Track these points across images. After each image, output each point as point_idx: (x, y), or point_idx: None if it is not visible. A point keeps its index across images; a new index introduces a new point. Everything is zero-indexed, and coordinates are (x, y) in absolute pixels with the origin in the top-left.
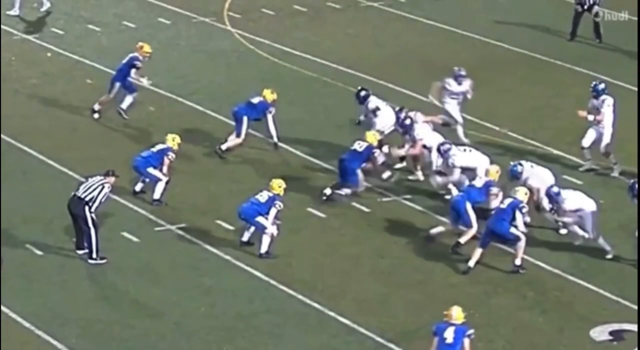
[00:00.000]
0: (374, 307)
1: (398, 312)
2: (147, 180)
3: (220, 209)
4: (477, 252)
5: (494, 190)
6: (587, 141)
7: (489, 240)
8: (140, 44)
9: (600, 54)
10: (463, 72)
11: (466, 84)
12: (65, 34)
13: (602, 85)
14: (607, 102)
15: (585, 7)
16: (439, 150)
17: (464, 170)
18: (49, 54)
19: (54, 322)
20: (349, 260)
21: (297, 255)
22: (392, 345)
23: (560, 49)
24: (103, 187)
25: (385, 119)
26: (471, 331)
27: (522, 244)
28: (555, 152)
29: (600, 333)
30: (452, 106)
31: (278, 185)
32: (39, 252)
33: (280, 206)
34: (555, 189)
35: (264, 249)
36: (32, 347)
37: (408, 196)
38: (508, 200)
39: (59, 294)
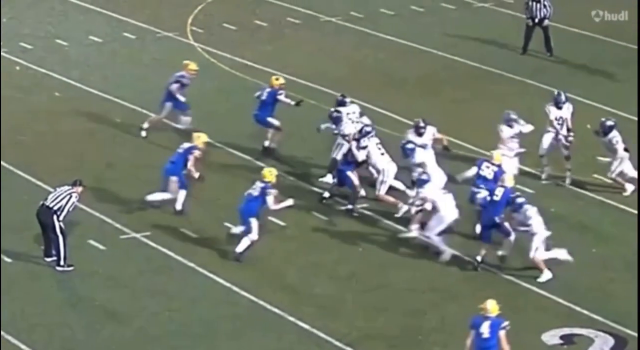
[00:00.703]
0: (333, 312)
1: (356, 317)
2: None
3: (183, 216)
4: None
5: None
6: (543, 149)
7: (490, 233)
8: (186, 62)
9: (550, 67)
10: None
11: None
12: (33, 48)
13: (563, 95)
14: (570, 110)
15: (536, 20)
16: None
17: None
18: (17, 68)
19: (22, 327)
20: (309, 266)
21: (259, 262)
22: (349, 349)
23: (511, 62)
24: (71, 197)
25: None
26: (506, 323)
27: (512, 237)
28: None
29: (551, 337)
30: None
31: (269, 172)
32: (8, 260)
33: (274, 193)
34: (520, 199)
35: (240, 249)
36: None
37: (365, 204)
38: (500, 191)
39: (28, 300)
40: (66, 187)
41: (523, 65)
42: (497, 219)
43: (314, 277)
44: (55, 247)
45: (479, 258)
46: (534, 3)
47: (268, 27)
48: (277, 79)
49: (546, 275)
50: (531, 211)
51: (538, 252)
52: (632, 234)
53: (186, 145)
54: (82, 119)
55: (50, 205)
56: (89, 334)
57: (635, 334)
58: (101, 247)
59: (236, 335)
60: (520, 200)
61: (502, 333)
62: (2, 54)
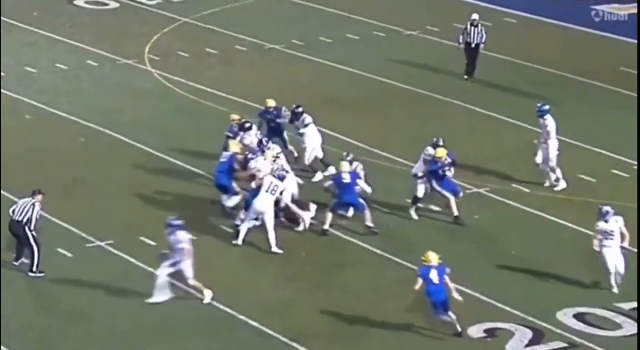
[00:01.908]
0: (278, 310)
1: (300, 315)
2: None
3: (144, 226)
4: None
5: None
6: (539, 158)
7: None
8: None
9: (472, 88)
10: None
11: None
12: (6, 75)
13: (546, 107)
14: (550, 122)
15: (473, 45)
16: None
17: None
18: None
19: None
20: (256, 269)
21: (210, 266)
22: (295, 345)
23: (436, 84)
24: (34, 206)
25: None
26: (448, 270)
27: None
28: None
29: (476, 331)
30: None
31: (235, 145)
32: None
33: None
34: None
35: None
36: None
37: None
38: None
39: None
40: (27, 199)
41: (447, 87)
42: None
43: (261, 278)
44: (30, 255)
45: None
46: (473, 28)
47: (218, 55)
48: (270, 100)
49: None
50: None
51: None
52: (550, 237)
53: (226, 154)
54: (50, 138)
55: (20, 219)
56: (58, 334)
57: (552, 327)
58: (69, 255)
59: (191, 333)
60: None
61: (446, 277)
62: None
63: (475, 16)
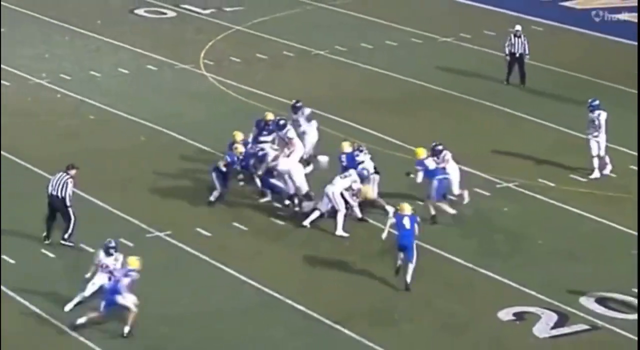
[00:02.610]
0: (323, 294)
1: (343, 299)
2: None
3: (199, 218)
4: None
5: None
6: (594, 150)
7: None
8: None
9: (503, 90)
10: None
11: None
12: (71, 78)
13: (597, 102)
14: (602, 116)
15: (517, 55)
16: None
17: None
18: (58, 95)
19: None
20: (301, 255)
21: (259, 254)
22: (338, 327)
23: (469, 86)
24: (67, 184)
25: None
26: (419, 219)
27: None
28: (466, 168)
29: (505, 314)
30: None
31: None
32: None
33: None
34: None
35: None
36: None
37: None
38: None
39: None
40: (61, 174)
41: (478, 90)
42: None
43: (306, 266)
44: (65, 225)
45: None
46: (516, 39)
47: (268, 60)
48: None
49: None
50: None
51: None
52: (573, 227)
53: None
54: (113, 137)
55: (58, 195)
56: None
57: (575, 311)
58: (130, 244)
59: (245, 317)
60: None
61: (416, 226)
62: (45, 84)
63: (518, 27)
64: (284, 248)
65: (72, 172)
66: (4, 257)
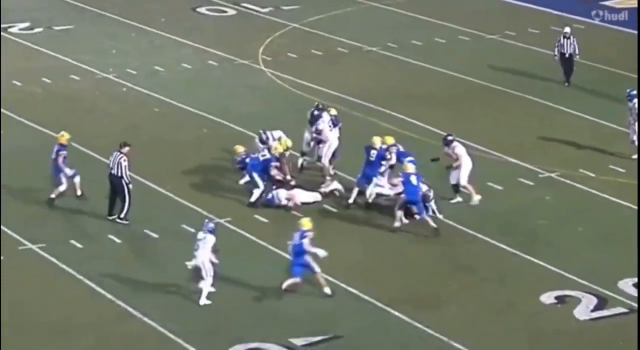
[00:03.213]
0: (373, 279)
1: (391, 283)
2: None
3: (257, 205)
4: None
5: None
6: (635, 136)
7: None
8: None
9: (545, 86)
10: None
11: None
12: (137, 73)
13: (634, 91)
14: (636, 104)
15: (567, 55)
16: None
17: None
18: (124, 89)
19: None
20: (354, 243)
21: (318, 242)
22: (388, 309)
23: (512, 81)
24: (121, 161)
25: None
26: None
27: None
28: (511, 159)
29: (547, 298)
30: None
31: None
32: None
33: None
34: None
35: (252, 199)
36: None
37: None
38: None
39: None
40: (116, 153)
41: (521, 84)
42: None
43: (359, 252)
44: (121, 204)
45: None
46: (565, 40)
47: (323, 56)
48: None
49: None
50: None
51: None
52: (612, 215)
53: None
54: (176, 129)
55: (116, 173)
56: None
57: (614, 294)
58: (191, 229)
59: (305, 297)
60: None
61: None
62: (111, 78)
63: (567, 29)
64: (337, 234)
65: (125, 149)
66: (72, 242)
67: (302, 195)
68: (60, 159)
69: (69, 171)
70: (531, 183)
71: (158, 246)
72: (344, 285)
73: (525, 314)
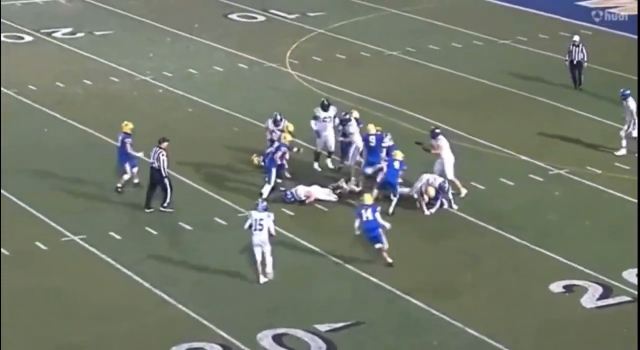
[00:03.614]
0: (393, 269)
1: (410, 273)
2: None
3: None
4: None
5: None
6: (623, 131)
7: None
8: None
9: (555, 89)
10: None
11: None
12: (172, 75)
13: (628, 91)
14: (630, 102)
15: (575, 62)
16: None
17: None
18: (160, 91)
19: None
20: None
21: (342, 232)
22: (407, 297)
23: (524, 84)
24: (160, 156)
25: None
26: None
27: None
28: (522, 157)
29: (556, 287)
30: None
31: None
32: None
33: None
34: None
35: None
36: None
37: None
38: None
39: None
40: (156, 148)
41: (533, 87)
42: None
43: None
44: (162, 194)
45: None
46: (574, 48)
47: (346, 59)
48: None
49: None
50: None
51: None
52: (616, 210)
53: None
54: (209, 128)
55: (156, 167)
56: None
57: (618, 284)
58: (224, 223)
59: (330, 283)
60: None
61: (377, 214)
62: (149, 80)
63: (576, 38)
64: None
65: (164, 144)
66: (111, 233)
67: (318, 192)
68: (128, 146)
69: (136, 154)
70: (541, 179)
71: (192, 238)
72: (365, 275)
73: (536, 302)
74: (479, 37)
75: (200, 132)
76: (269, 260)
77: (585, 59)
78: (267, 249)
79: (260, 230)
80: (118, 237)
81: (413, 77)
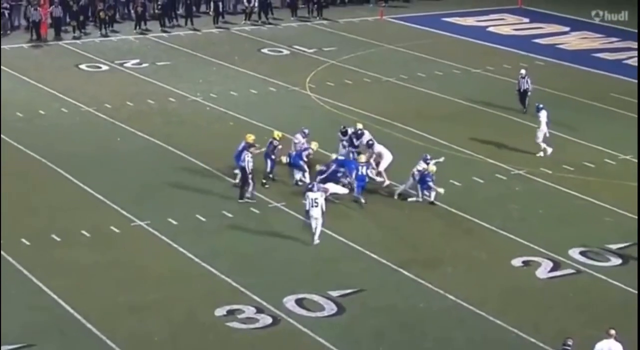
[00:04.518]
0: (385, 245)
1: (401, 248)
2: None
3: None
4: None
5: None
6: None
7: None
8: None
9: (518, 109)
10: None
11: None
12: (217, 97)
13: (540, 105)
14: (541, 114)
15: (522, 90)
16: None
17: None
18: (207, 108)
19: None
20: (366, 217)
21: (345, 217)
22: (401, 270)
23: (499, 105)
24: (247, 157)
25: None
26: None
27: None
28: (491, 160)
29: (517, 262)
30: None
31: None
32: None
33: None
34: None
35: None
36: None
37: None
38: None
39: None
40: (245, 152)
41: (501, 105)
42: None
43: (371, 224)
44: (244, 187)
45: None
46: (522, 79)
47: (352, 84)
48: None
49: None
50: None
51: None
52: (565, 202)
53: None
54: (244, 136)
55: (241, 165)
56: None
57: (565, 260)
58: (257, 211)
59: (327, 262)
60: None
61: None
62: (199, 100)
63: (522, 71)
64: (361, 214)
65: (251, 149)
66: (169, 219)
67: (333, 188)
68: (244, 152)
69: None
70: (505, 178)
71: (232, 223)
72: (367, 252)
73: (501, 273)
74: (457, 67)
75: (239, 140)
76: (319, 230)
77: (530, 88)
78: (319, 222)
79: (316, 206)
80: (175, 222)
81: (405, 98)
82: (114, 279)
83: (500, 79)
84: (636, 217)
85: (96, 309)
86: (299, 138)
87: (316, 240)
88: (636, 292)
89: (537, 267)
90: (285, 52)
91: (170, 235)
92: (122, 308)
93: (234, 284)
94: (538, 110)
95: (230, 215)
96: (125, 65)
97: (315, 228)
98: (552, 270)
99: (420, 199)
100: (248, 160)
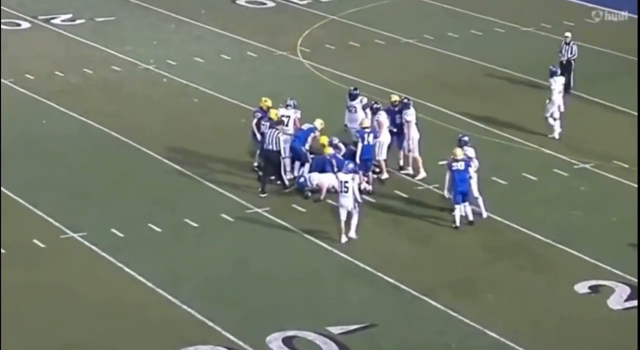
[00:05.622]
0: (410, 269)
1: (427, 273)
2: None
3: (294, 194)
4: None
5: None
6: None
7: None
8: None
9: (579, 79)
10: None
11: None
12: (177, 64)
13: (553, 69)
14: (556, 82)
15: (564, 61)
16: None
17: None
18: (164, 80)
19: None
20: (390, 233)
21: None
22: (425, 298)
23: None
24: (279, 137)
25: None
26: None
27: None
28: (547, 151)
29: (581, 287)
30: None
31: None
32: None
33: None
34: None
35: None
36: None
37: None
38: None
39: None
40: (271, 130)
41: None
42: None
43: (396, 243)
44: (278, 178)
45: None
46: (565, 46)
47: (359, 47)
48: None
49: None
50: None
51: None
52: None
53: (306, 125)
54: (215, 119)
55: (273, 149)
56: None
57: None
58: (230, 218)
59: (343, 282)
60: None
61: (471, 168)
62: (152, 69)
63: (568, 34)
64: (375, 225)
65: (280, 126)
66: (113, 230)
67: (331, 180)
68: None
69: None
70: (565, 174)
71: (197, 235)
72: (380, 274)
73: (560, 303)
74: (501, 24)
75: (206, 122)
76: (354, 222)
77: (574, 57)
78: (354, 212)
79: (346, 191)
80: (119, 234)
81: (431, 66)
82: (39, 309)
83: (561, 41)
84: None
85: (14, 349)
86: (286, 112)
87: (351, 235)
88: None
89: (609, 294)
90: (270, 4)
91: (112, 251)
92: (49, 348)
93: (200, 316)
94: (551, 74)
95: (194, 224)
96: (52, 21)
97: (346, 220)
98: (629, 298)
99: (485, 216)
100: (282, 139)
